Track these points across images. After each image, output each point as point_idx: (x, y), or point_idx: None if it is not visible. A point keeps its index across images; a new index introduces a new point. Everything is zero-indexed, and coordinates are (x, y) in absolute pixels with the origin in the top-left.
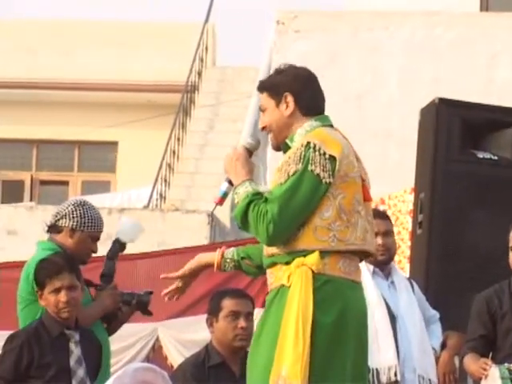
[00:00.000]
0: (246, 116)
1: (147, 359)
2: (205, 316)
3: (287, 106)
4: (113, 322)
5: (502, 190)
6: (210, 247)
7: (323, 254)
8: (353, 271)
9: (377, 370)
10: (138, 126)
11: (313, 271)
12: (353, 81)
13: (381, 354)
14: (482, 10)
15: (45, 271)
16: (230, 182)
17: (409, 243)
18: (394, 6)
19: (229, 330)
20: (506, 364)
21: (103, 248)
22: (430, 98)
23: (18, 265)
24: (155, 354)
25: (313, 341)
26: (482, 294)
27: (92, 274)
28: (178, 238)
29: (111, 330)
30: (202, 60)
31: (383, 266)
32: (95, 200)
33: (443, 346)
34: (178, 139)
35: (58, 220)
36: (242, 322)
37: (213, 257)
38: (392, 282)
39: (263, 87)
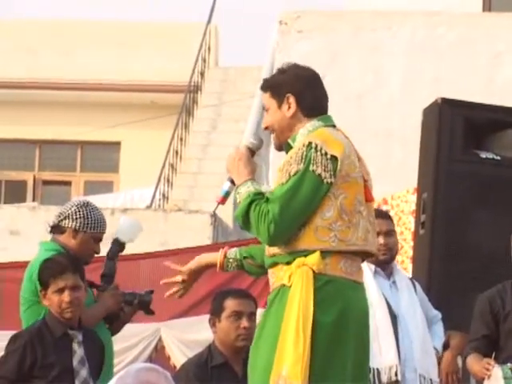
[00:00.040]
0: (248, 116)
1: (150, 359)
2: (207, 316)
3: (289, 107)
4: (115, 322)
5: (504, 189)
6: (213, 247)
7: (324, 254)
8: (354, 271)
9: (377, 369)
10: (140, 127)
11: (314, 271)
12: (354, 80)
13: (382, 354)
14: (484, 10)
15: (49, 271)
16: (233, 182)
17: (411, 243)
18: (396, 5)
19: (231, 330)
20: (508, 364)
21: (105, 248)
22: (432, 98)
23: (21, 265)
24: (158, 354)
25: (313, 341)
26: (484, 294)
27: (93, 274)
28: (180, 239)
29: (114, 331)
30: (204, 60)
31: (385, 265)
32: (98, 200)
33: (446, 346)
34: (181, 139)
35: (61, 221)
36: (244, 322)
37: (215, 257)
38: (394, 282)
39: (266, 87)
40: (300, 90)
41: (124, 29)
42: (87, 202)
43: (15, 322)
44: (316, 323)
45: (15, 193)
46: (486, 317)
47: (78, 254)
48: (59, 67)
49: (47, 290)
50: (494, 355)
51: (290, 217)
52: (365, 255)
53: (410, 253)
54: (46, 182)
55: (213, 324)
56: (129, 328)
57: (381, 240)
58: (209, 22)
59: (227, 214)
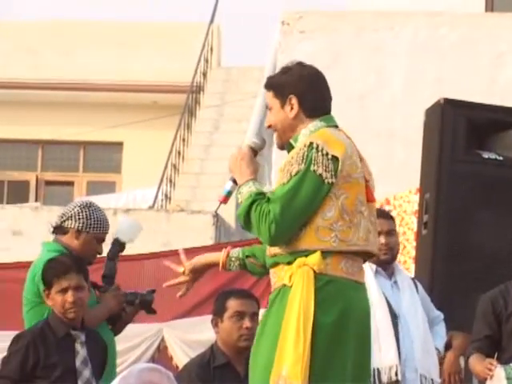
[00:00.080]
0: (251, 116)
1: (152, 360)
2: (210, 316)
3: (292, 108)
4: (117, 322)
5: (507, 190)
6: (215, 248)
7: (325, 254)
8: (356, 272)
9: (378, 369)
10: (143, 127)
11: (314, 271)
12: (356, 81)
13: (382, 354)
14: (487, 10)
15: (52, 271)
16: (235, 181)
17: (414, 244)
18: (398, 6)
19: (234, 331)
20: (511, 364)
21: (106, 249)
22: (434, 99)
23: (24, 265)
24: (160, 355)
25: (313, 341)
26: (487, 294)
27: (94, 275)
28: (183, 239)
29: (116, 331)
30: (206, 60)
31: (386, 265)
32: (100, 200)
33: (448, 346)
34: (183, 140)
35: (64, 221)
36: (246, 323)
37: (217, 256)
38: (395, 282)
39: (269, 86)
40: (302, 91)
41: (126, 29)
42: (90, 203)
43: (18, 323)
44: (316, 323)
45: (18, 193)
46: (488, 317)
47: (81, 255)
48: (64, 68)
49: (51, 289)
50: (496, 355)
51: (291, 217)
52: (366, 255)
53: (413, 253)
54: (48, 183)
55: (215, 324)
56: (131, 328)
57: (382, 240)
58: (211, 22)
59: (229, 214)
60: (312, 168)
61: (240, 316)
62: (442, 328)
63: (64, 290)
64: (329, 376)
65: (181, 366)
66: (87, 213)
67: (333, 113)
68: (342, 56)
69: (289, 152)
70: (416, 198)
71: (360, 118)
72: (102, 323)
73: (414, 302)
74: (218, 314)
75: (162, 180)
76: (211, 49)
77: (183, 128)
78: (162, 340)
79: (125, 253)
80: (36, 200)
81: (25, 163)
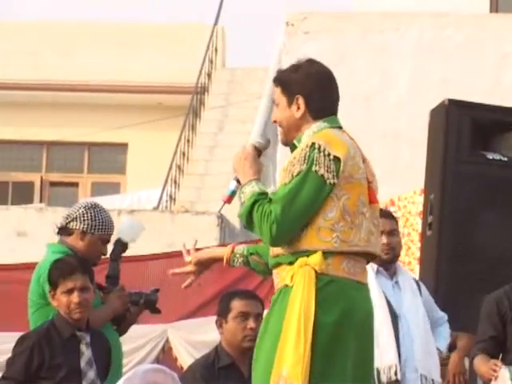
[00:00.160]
0: (255, 117)
1: (157, 360)
2: (214, 317)
3: (298, 108)
4: (122, 323)
5: (511, 191)
6: None
7: (326, 254)
8: (358, 272)
9: (377, 369)
10: (147, 128)
11: (316, 271)
12: (361, 82)
13: (382, 354)
14: (491, 11)
15: (58, 271)
16: (239, 181)
17: (419, 244)
18: (403, 7)
19: (238, 331)
20: None
21: (109, 250)
22: (439, 99)
23: (28, 266)
24: (165, 356)
25: (314, 341)
26: (491, 295)
27: (98, 276)
28: (187, 240)
29: (121, 332)
30: (211, 61)
31: (388, 265)
32: (105, 201)
33: (453, 347)
34: (188, 141)
35: (69, 222)
36: (251, 323)
37: (222, 252)
38: (396, 282)
39: (278, 81)
40: (310, 91)
41: (129, 30)
42: (95, 204)
43: (22, 324)
44: (317, 323)
45: (22, 194)
46: (493, 318)
47: (86, 256)
48: (66, 68)
49: (56, 290)
50: (501, 356)
51: (293, 217)
52: (369, 256)
53: (417, 254)
54: (53, 184)
55: (220, 325)
56: (136, 329)
57: (384, 239)
58: (216, 23)
59: (234, 215)
60: (314, 168)
61: (244, 317)
62: (445, 329)
63: (69, 291)
64: (329, 376)
65: (185, 367)
66: (92, 214)
67: (338, 114)
68: (347, 57)
69: (292, 152)
70: (421, 198)
71: (365, 119)
72: (107, 324)
73: (415, 303)
74: (223, 314)
75: (166, 181)
76: (216, 50)
77: (188, 129)
78: (167, 341)
79: (129, 254)
80: (41, 201)
81: (29, 164)
